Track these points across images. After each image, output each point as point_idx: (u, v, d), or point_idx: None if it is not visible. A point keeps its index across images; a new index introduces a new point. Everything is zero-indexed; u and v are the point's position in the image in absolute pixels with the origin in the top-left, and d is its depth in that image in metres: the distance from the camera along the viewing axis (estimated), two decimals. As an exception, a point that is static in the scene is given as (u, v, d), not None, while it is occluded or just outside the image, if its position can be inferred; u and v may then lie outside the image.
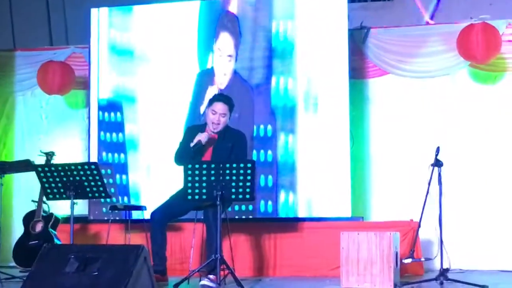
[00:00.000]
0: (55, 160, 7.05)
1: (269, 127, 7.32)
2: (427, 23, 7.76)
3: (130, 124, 7.66)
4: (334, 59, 7.21)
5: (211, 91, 7.27)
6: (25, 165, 6.70)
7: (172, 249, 6.73)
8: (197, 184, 5.46)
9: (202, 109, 7.33)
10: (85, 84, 8.09)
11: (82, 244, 6.14)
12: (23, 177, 7.74)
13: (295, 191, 7.20)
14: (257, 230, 6.98)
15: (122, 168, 7.61)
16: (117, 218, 7.30)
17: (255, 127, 7.33)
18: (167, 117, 7.53)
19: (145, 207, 6.99)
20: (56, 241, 6.99)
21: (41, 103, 8.39)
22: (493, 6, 7.60)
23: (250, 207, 7.23)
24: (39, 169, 5.79)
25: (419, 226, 5.96)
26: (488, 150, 7.24)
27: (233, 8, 7.54)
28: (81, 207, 7.43)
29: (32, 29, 8.82)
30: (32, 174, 6.01)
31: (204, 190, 5.46)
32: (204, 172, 5.44)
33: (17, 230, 7.57)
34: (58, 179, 5.73)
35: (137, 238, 6.86)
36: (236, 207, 7.16)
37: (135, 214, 7.17)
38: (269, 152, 7.28)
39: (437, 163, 5.83)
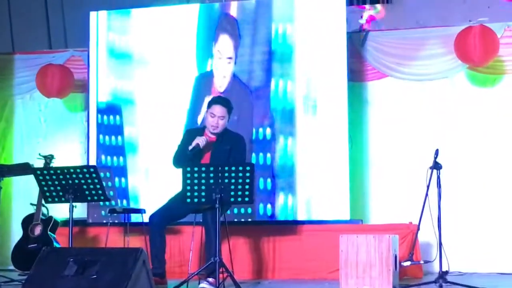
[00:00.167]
0: (54, 164, 7.05)
1: (268, 130, 7.32)
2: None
3: (129, 127, 7.66)
4: (333, 62, 7.21)
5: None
6: (24, 169, 6.70)
7: (171, 252, 6.72)
8: (196, 187, 5.45)
9: (201, 113, 7.33)
10: (84, 87, 8.10)
11: (81, 247, 6.16)
12: (22, 180, 7.74)
13: (294, 194, 7.20)
14: (256, 233, 6.98)
15: (121, 171, 7.61)
16: (116, 221, 7.30)
17: (254, 130, 7.33)
18: (166, 120, 7.53)
19: (144, 210, 6.99)
20: (55, 244, 6.98)
21: (40, 107, 8.39)
22: (492, 9, 7.61)
23: (249, 210, 7.22)
24: (38, 172, 5.79)
25: (418, 228, 5.96)
26: (487, 152, 7.24)
27: (232, 11, 7.55)
28: (80, 210, 7.42)
29: (31, 32, 8.82)
30: (31, 178, 6.01)
31: (203, 193, 5.46)
32: (203, 175, 5.43)
33: (16, 233, 7.56)
34: (57, 182, 5.72)
35: (136, 241, 6.86)
36: (235, 210, 7.16)
37: (134, 217, 7.17)
38: (268, 155, 7.28)
39: (436, 166, 5.83)
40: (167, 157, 6.24)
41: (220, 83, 7.49)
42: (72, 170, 5.71)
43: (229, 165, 5.45)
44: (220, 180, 5.42)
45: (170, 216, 6.02)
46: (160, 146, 7.41)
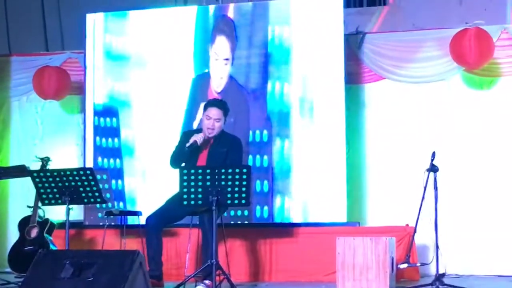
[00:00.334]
0: (51, 166, 7.04)
1: (265, 132, 7.32)
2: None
3: (125, 129, 7.65)
4: (330, 64, 7.22)
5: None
6: (20, 171, 6.69)
7: (167, 254, 6.72)
8: (192, 189, 5.45)
9: (198, 114, 7.33)
10: (80, 89, 8.09)
11: (78, 249, 6.13)
12: (19, 182, 7.73)
13: (290, 196, 7.20)
14: (253, 235, 6.98)
15: (118, 173, 7.60)
16: (113, 223, 7.29)
17: (251, 132, 7.33)
18: (163, 122, 7.53)
19: (140, 212, 6.98)
20: (51, 246, 6.98)
21: (37, 109, 8.37)
22: (488, 11, 7.62)
23: (246, 212, 7.22)
24: (35, 174, 5.78)
25: (415, 231, 5.96)
26: (483, 154, 7.24)
27: (229, 13, 7.55)
28: (77, 212, 7.41)
29: (28, 34, 8.81)
30: (28, 180, 6.01)
31: (199, 195, 5.46)
32: (200, 177, 5.43)
33: (13, 235, 7.56)
34: (54, 184, 5.71)
35: (133, 244, 6.85)
36: (232, 212, 7.16)
37: (131, 220, 7.16)
38: (265, 157, 7.28)
39: (433, 168, 5.84)
40: (164, 159, 6.23)
41: (217, 85, 7.49)
42: (68, 172, 5.70)
43: (226, 167, 5.46)
44: (216, 182, 5.42)
45: (167, 218, 6.02)
46: (156, 148, 7.41)
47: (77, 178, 5.68)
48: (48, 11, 8.95)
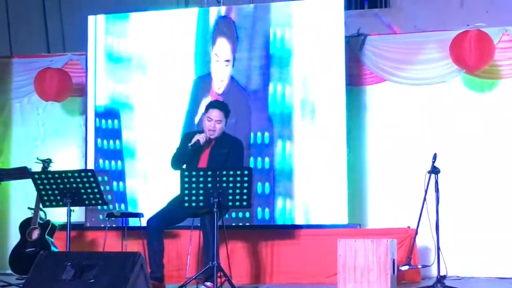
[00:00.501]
0: (52, 167, 7.04)
1: (266, 134, 7.32)
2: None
3: (127, 131, 7.66)
4: (331, 66, 7.22)
5: (207, 102, 7.28)
6: (21, 173, 6.70)
7: (169, 256, 6.71)
8: (194, 191, 5.46)
9: (198, 118, 7.33)
10: (82, 91, 8.09)
11: (79, 251, 6.14)
12: (20, 184, 7.73)
13: (292, 198, 7.20)
14: (254, 237, 6.98)
15: (119, 175, 7.60)
16: (114, 225, 7.29)
17: (252, 134, 7.33)
18: (164, 124, 7.53)
19: (142, 214, 6.99)
20: (52, 248, 6.98)
21: (38, 110, 8.38)
22: (489, 14, 7.63)
23: (247, 214, 7.22)
24: (36, 176, 5.78)
25: (416, 233, 5.96)
26: (484, 157, 7.24)
27: (231, 15, 7.55)
28: (78, 214, 7.42)
29: (29, 36, 8.83)
30: (29, 182, 6.00)
31: (201, 197, 5.46)
32: (201, 179, 5.44)
33: (14, 237, 7.55)
34: (55, 186, 5.72)
35: (134, 245, 6.85)
36: (233, 214, 7.15)
37: (132, 221, 7.16)
38: (266, 159, 7.28)
39: (434, 170, 5.84)
40: (165, 161, 6.24)
41: (218, 86, 7.49)
42: (70, 174, 5.70)
43: (227, 169, 5.46)
44: (218, 184, 5.42)
45: (168, 220, 6.02)
46: (158, 150, 7.41)
47: (78, 180, 5.69)
48: (50, 13, 8.96)
